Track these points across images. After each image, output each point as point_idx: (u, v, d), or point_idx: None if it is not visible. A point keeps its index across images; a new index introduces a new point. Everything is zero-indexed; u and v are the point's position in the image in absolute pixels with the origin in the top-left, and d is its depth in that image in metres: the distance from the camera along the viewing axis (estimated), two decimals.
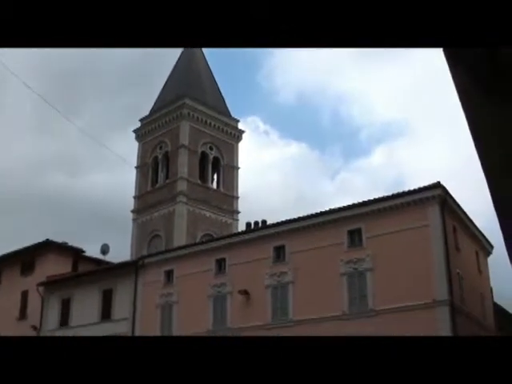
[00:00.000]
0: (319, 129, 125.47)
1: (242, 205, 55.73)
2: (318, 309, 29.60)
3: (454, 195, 29.43)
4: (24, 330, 41.91)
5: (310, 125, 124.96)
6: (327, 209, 31.58)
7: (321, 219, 31.18)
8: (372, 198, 30.11)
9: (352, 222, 30.05)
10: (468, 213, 31.81)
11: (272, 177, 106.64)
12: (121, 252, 54.18)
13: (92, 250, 47.80)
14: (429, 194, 28.31)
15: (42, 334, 41.24)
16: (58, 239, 45.07)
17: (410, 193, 28.89)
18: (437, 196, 28.14)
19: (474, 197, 72.54)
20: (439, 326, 26.28)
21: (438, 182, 28.28)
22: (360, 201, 30.36)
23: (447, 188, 28.62)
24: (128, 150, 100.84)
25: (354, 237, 29.99)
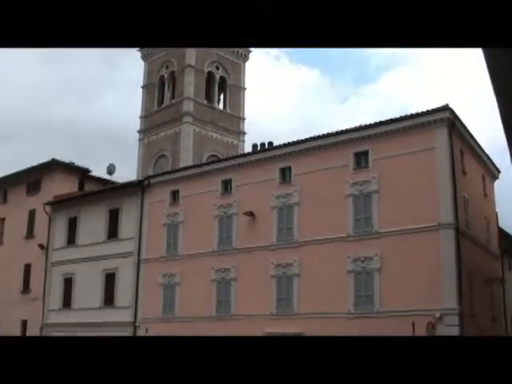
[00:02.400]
0: (329, 56, 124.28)
1: (252, 128, 55.47)
2: (322, 230, 29.77)
3: (462, 119, 29.06)
4: (32, 249, 42.59)
5: (320, 52, 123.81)
6: (334, 131, 31.31)
7: (327, 141, 30.92)
8: (379, 121, 29.72)
9: (358, 144, 29.78)
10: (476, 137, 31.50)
11: (283, 102, 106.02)
12: (127, 173, 54.45)
13: (98, 172, 47.96)
14: (437, 116, 27.88)
15: (49, 253, 41.87)
16: (66, 160, 45.11)
17: (417, 115, 28.44)
18: (445, 119, 27.71)
19: (484, 124, 72.04)
20: (443, 249, 26.43)
21: (447, 105, 27.81)
22: (367, 123, 30.00)
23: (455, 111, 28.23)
24: (138, 73, 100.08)
25: (361, 159, 29.79)
